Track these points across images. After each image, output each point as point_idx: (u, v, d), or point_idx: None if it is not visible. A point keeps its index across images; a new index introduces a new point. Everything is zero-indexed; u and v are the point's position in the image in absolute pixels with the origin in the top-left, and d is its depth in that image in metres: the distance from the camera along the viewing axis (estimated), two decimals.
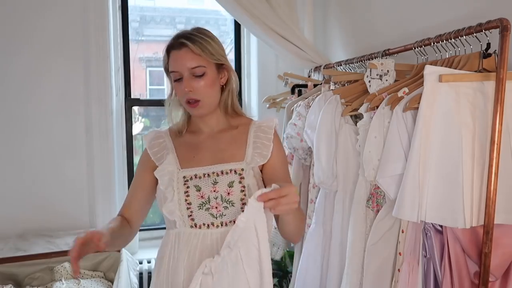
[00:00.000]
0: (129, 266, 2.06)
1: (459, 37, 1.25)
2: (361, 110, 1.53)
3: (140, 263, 2.42)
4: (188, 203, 1.12)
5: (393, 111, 1.34)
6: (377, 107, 1.45)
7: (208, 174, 1.14)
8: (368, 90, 1.57)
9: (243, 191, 1.13)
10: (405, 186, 1.24)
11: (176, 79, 1.14)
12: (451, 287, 1.23)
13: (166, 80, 1.24)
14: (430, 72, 1.23)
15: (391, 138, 1.33)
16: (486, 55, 1.23)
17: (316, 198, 1.85)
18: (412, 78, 1.44)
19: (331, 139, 1.68)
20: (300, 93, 2.27)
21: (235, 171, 1.15)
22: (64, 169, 2.32)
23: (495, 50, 1.18)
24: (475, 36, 1.21)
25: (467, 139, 1.20)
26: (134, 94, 2.63)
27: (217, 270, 0.98)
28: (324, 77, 2.15)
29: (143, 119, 2.95)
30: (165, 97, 1.26)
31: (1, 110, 2.22)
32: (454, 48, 1.32)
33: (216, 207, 1.12)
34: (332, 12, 2.44)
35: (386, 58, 1.58)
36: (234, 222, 1.09)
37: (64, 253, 1.99)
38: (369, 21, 2.05)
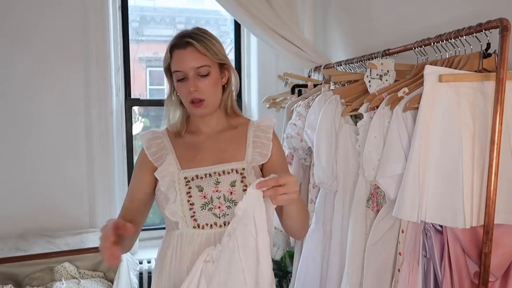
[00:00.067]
0: (129, 266, 2.06)
1: (459, 37, 1.25)
2: (361, 110, 1.53)
3: (140, 263, 2.42)
4: (190, 204, 1.11)
5: (393, 111, 1.34)
6: (377, 107, 1.45)
7: (210, 174, 1.14)
8: (368, 90, 1.57)
9: (245, 190, 1.14)
10: (405, 186, 1.24)
11: (180, 79, 1.13)
12: (451, 287, 1.23)
13: (166, 80, 1.23)
14: (430, 72, 1.23)
15: (391, 138, 1.33)
16: (486, 55, 1.23)
17: (316, 198, 1.85)
18: (412, 78, 1.44)
19: (331, 139, 1.68)
20: (300, 93, 2.27)
21: (236, 170, 1.15)
22: (64, 169, 2.32)
23: (495, 50, 1.18)
24: (475, 36, 1.21)
25: (467, 139, 1.20)
26: (134, 94, 2.63)
27: (217, 257, 1.00)
28: (324, 77, 2.15)
29: (143, 119, 2.95)
30: (165, 97, 1.25)
31: (2, 110, 2.22)
32: (454, 48, 1.32)
33: (219, 207, 1.12)
34: (332, 12, 2.44)
35: (386, 58, 1.58)
36: None
37: (64, 253, 1.99)
38: (369, 21, 2.05)
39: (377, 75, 1.55)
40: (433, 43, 1.36)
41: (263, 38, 2.32)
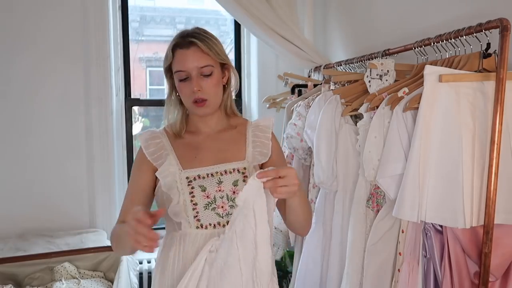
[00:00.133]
0: (129, 266, 2.06)
1: (459, 37, 1.25)
2: (361, 110, 1.53)
3: (140, 263, 2.42)
4: (194, 204, 1.11)
5: (393, 111, 1.34)
6: (377, 107, 1.45)
7: (212, 174, 1.14)
8: (368, 90, 1.57)
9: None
10: (405, 186, 1.24)
11: (182, 79, 1.13)
12: (451, 287, 1.23)
13: (165, 80, 1.22)
14: (430, 72, 1.23)
15: (391, 138, 1.33)
16: (486, 55, 1.23)
17: (316, 198, 1.86)
18: (412, 78, 1.44)
19: (331, 139, 1.68)
20: (300, 93, 2.27)
21: (238, 170, 1.16)
22: (64, 169, 2.32)
23: (495, 50, 1.18)
24: (475, 36, 1.21)
25: (467, 139, 1.20)
26: (134, 94, 2.63)
27: (218, 246, 1.01)
28: (324, 77, 2.15)
29: (143, 119, 2.96)
30: (165, 97, 1.25)
31: (2, 110, 2.22)
32: (454, 48, 1.32)
33: (222, 207, 1.12)
34: (332, 12, 2.44)
35: (386, 58, 1.58)
36: None
37: (64, 253, 1.99)
38: (369, 21, 2.05)
39: (377, 75, 1.55)
40: (433, 43, 1.36)
41: (263, 38, 2.32)
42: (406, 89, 1.35)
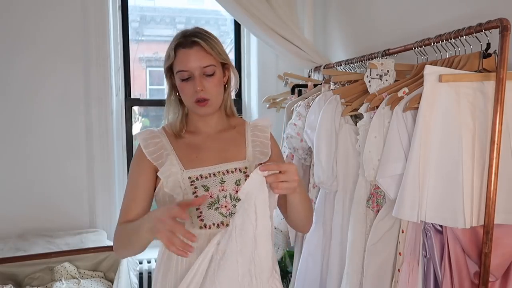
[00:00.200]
0: (129, 266, 2.06)
1: (459, 37, 1.25)
2: (361, 110, 1.53)
3: (140, 263, 2.42)
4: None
5: (393, 111, 1.34)
6: (377, 107, 1.45)
7: (214, 174, 1.14)
8: (368, 90, 1.57)
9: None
10: (405, 186, 1.25)
11: (185, 79, 1.12)
12: (451, 287, 1.23)
13: (165, 80, 1.22)
14: (430, 72, 1.23)
15: (391, 138, 1.33)
16: (486, 55, 1.23)
17: (316, 198, 1.86)
18: (412, 78, 1.44)
19: (331, 139, 1.68)
20: (300, 93, 2.27)
21: (239, 169, 1.16)
22: (64, 169, 2.32)
23: (495, 50, 1.18)
24: (475, 36, 1.21)
25: (467, 139, 1.20)
26: (134, 94, 2.63)
27: (221, 239, 1.02)
28: (324, 77, 2.15)
29: (143, 119, 2.96)
30: (165, 97, 1.25)
31: (2, 110, 2.22)
32: (454, 48, 1.32)
33: (226, 206, 1.12)
34: (332, 12, 2.44)
35: (386, 58, 1.58)
36: None
37: (64, 253, 1.99)
38: (369, 21, 2.05)
39: (377, 75, 1.55)
40: (433, 43, 1.36)
41: (263, 38, 2.32)
42: (406, 89, 1.35)
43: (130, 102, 2.57)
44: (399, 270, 1.37)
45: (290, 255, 2.29)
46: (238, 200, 1.13)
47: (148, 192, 1.16)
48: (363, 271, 1.49)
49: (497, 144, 1.13)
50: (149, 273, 2.42)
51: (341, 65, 1.96)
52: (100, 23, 2.28)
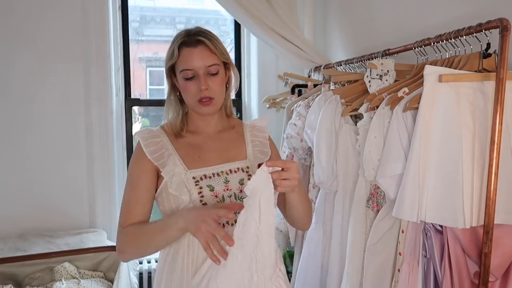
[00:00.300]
0: (129, 266, 2.06)
1: (459, 37, 1.25)
2: (361, 110, 1.53)
3: (140, 263, 2.42)
4: (203, 204, 1.10)
5: (393, 111, 1.34)
6: (377, 107, 1.45)
7: (218, 174, 1.14)
8: (368, 90, 1.57)
9: (246, 187, 1.15)
10: (405, 186, 1.24)
11: (188, 78, 1.12)
12: (451, 287, 1.23)
13: (166, 79, 1.21)
14: (430, 72, 1.23)
15: (391, 138, 1.33)
16: (486, 55, 1.23)
17: (316, 198, 1.86)
18: (412, 78, 1.44)
19: (331, 139, 1.68)
20: (300, 93, 2.27)
21: (242, 169, 1.16)
22: (64, 169, 2.32)
23: (495, 50, 1.18)
24: (475, 36, 1.21)
25: (467, 139, 1.20)
26: (134, 94, 2.63)
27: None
28: (324, 77, 2.15)
29: (143, 119, 2.96)
30: (165, 97, 1.24)
31: (2, 110, 2.22)
32: (454, 48, 1.32)
33: None
34: (332, 12, 2.44)
35: (386, 58, 1.58)
36: None
37: (64, 253, 1.99)
38: (369, 21, 2.05)
39: (377, 75, 1.55)
40: (433, 43, 1.36)
41: (263, 38, 2.32)
42: (406, 89, 1.35)
43: (130, 102, 2.57)
44: (399, 270, 1.37)
45: (290, 255, 2.29)
46: (243, 198, 1.13)
47: (151, 193, 1.14)
48: (363, 271, 1.49)
49: (497, 144, 1.13)
50: (149, 273, 2.42)
51: (341, 65, 1.96)
52: (100, 23, 2.28)
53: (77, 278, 1.91)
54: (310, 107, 1.85)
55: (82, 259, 2.00)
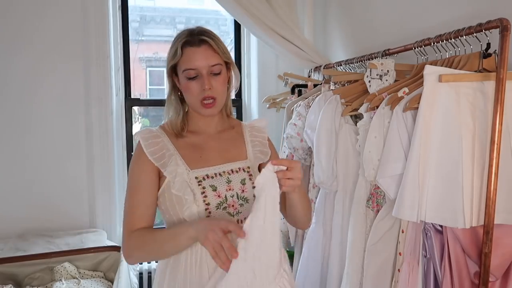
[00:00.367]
0: (129, 266, 2.06)
1: (459, 37, 1.26)
2: (361, 110, 1.53)
3: (140, 263, 2.42)
4: (206, 204, 1.09)
5: (393, 111, 1.34)
6: (377, 107, 1.45)
7: (220, 174, 1.14)
8: (368, 90, 1.57)
9: (255, 187, 1.14)
10: (405, 186, 1.25)
11: (191, 77, 1.11)
12: (451, 287, 1.23)
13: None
14: (430, 72, 1.23)
15: (391, 138, 1.33)
16: (486, 55, 1.23)
17: (316, 198, 1.86)
18: (412, 78, 1.44)
19: (331, 139, 1.68)
20: (300, 93, 2.27)
21: (243, 169, 1.17)
22: (64, 169, 2.32)
23: (495, 50, 1.18)
24: (475, 36, 1.21)
25: (467, 139, 1.20)
26: (134, 94, 2.63)
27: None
28: (324, 77, 2.15)
29: (143, 119, 2.96)
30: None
31: (1, 110, 2.22)
32: (454, 48, 1.32)
33: (233, 205, 1.12)
34: (332, 12, 2.44)
35: (386, 58, 1.58)
36: None
37: (64, 253, 1.99)
38: (369, 21, 2.05)
39: (377, 75, 1.55)
40: (433, 43, 1.36)
41: (263, 38, 2.32)
42: (406, 89, 1.35)
43: (130, 102, 2.57)
44: (399, 270, 1.37)
45: (290, 255, 2.28)
46: (245, 199, 1.13)
47: (154, 194, 1.13)
48: (363, 271, 1.49)
49: (497, 144, 1.13)
50: (149, 273, 2.42)
51: (341, 65, 1.96)
52: (100, 23, 2.28)
53: (77, 278, 1.91)
54: (310, 107, 1.85)
55: (82, 259, 2.00)
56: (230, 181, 1.13)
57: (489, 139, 1.15)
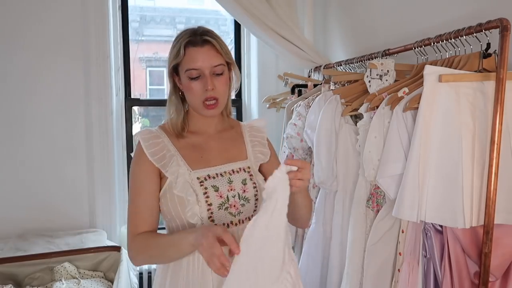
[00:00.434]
0: (129, 266, 2.06)
1: (459, 37, 1.26)
2: (361, 110, 1.54)
3: None
4: (208, 204, 1.09)
5: (393, 111, 1.34)
6: (377, 107, 1.45)
7: (221, 174, 1.14)
8: (368, 90, 1.57)
9: (255, 187, 1.16)
10: (405, 186, 1.25)
11: (194, 77, 1.10)
12: (451, 287, 1.23)
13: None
14: (430, 72, 1.23)
15: (391, 138, 1.33)
16: (486, 55, 1.23)
17: (316, 198, 1.86)
18: (412, 78, 1.44)
19: (331, 139, 1.68)
20: (300, 93, 2.27)
21: (244, 169, 1.17)
22: (64, 169, 2.32)
23: (495, 50, 1.18)
24: (475, 36, 1.21)
25: (467, 139, 1.20)
26: (134, 94, 2.63)
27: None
28: (324, 77, 2.15)
29: (143, 119, 2.96)
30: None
31: (1, 110, 2.22)
32: (454, 48, 1.32)
33: (234, 205, 1.12)
34: (332, 12, 2.44)
35: (386, 58, 1.58)
36: (250, 218, 1.10)
37: (64, 253, 1.99)
38: (369, 21, 2.05)
39: (377, 75, 1.55)
40: (433, 43, 1.36)
41: (263, 38, 2.32)
42: (406, 89, 1.35)
43: (130, 102, 2.57)
44: (399, 270, 1.37)
45: None
46: (246, 199, 1.13)
47: (157, 196, 1.12)
48: (363, 271, 1.49)
49: (497, 144, 1.13)
50: (149, 273, 2.42)
51: (341, 65, 1.96)
52: (100, 23, 2.28)
53: (77, 278, 1.91)
54: (310, 107, 1.85)
55: (82, 259, 2.00)
56: (232, 181, 1.13)
57: (489, 139, 1.15)
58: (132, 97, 2.59)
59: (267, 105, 2.47)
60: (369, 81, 1.56)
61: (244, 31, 2.75)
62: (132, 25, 2.62)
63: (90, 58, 2.29)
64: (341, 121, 1.66)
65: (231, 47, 2.79)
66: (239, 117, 2.79)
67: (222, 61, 1.12)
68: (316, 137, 1.72)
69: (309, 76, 2.39)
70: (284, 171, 0.95)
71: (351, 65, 1.88)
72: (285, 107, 2.29)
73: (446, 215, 1.21)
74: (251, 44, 2.70)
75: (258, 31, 2.26)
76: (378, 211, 1.47)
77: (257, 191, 1.16)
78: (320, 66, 2.22)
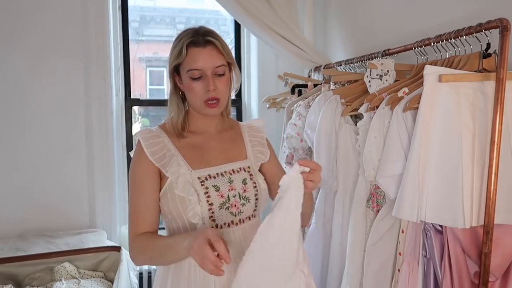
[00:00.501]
0: (129, 266, 2.06)
1: (459, 37, 1.25)
2: (361, 110, 1.53)
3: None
4: (210, 204, 1.09)
5: (393, 111, 1.34)
6: (377, 107, 1.45)
7: (222, 174, 1.14)
8: (368, 90, 1.57)
9: (256, 187, 1.16)
10: (405, 186, 1.25)
11: (195, 78, 1.10)
12: (451, 287, 1.23)
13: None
14: (430, 72, 1.23)
15: (391, 138, 1.33)
16: (486, 55, 1.23)
17: (316, 198, 1.86)
18: (412, 78, 1.44)
19: (331, 139, 1.68)
20: (300, 93, 2.27)
21: (244, 169, 1.17)
22: (64, 169, 2.32)
23: (495, 50, 1.18)
24: (475, 36, 1.21)
25: (467, 139, 1.20)
26: (134, 94, 2.63)
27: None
28: (324, 77, 2.15)
29: (143, 119, 2.96)
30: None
31: (1, 110, 2.22)
32: (454, 48, 1.32)
33: (235, 205, 1.12)
34: (332, 12, 2.44)
35: (386, 58, 1.58)
36: (250, 218, 1.14)
37: (64, 253, 1.99)
38: (369, 21, 2.05)
39: (377, 75, 1.55)
40: (433, 43, 1.36)
41: (263, 38, 2.32)
42: (406, 89, 1.35)
43: (130, 102, 2.57)
44: (399, 270, 1.37)
45: None
46: (246, 198, 1.13)
47: (157, 196, 1.12)
48: (363, 271, 1.49)
49: (497, 144, 1.13)
50: (149, 273, 2.42)
51: (341, 65, 1.96)
52: (100, 23, 2.28)
53: (77, 278, 1.91)
54: (310, 107, 1.85)
55: (82, 259, 2.00)
56: (232, 181, 1.14)
57: (489, 139, 1.15)
58: (132, 97, 2.59)
59: (267, 105, 2.47)
60: (369, 81, 1.56)
61: (244, 31, 2.75)
62: (132, 25, 2.62)
63: (90, 58, 2.29)
64: (341, 121, 1.66)
65: (231, 47, 2.79)
66: (239, 117, 2.79)
67: (224, 61, 1.12)
68: (316, 137, 1.72)
69: (309, 76, 2.39)
70: (298, 171, 0.95)
71: (351, 65, 1.88)
72: (285, 107, 2.28)
73: (446, 215, 1.21)
74: (251, 44, 2.70)
75: (258, 31, 2.26)
76: (378, 211, 1.47)
77: (257, 190, 1.16)
78: (320, 66, 2.22)
